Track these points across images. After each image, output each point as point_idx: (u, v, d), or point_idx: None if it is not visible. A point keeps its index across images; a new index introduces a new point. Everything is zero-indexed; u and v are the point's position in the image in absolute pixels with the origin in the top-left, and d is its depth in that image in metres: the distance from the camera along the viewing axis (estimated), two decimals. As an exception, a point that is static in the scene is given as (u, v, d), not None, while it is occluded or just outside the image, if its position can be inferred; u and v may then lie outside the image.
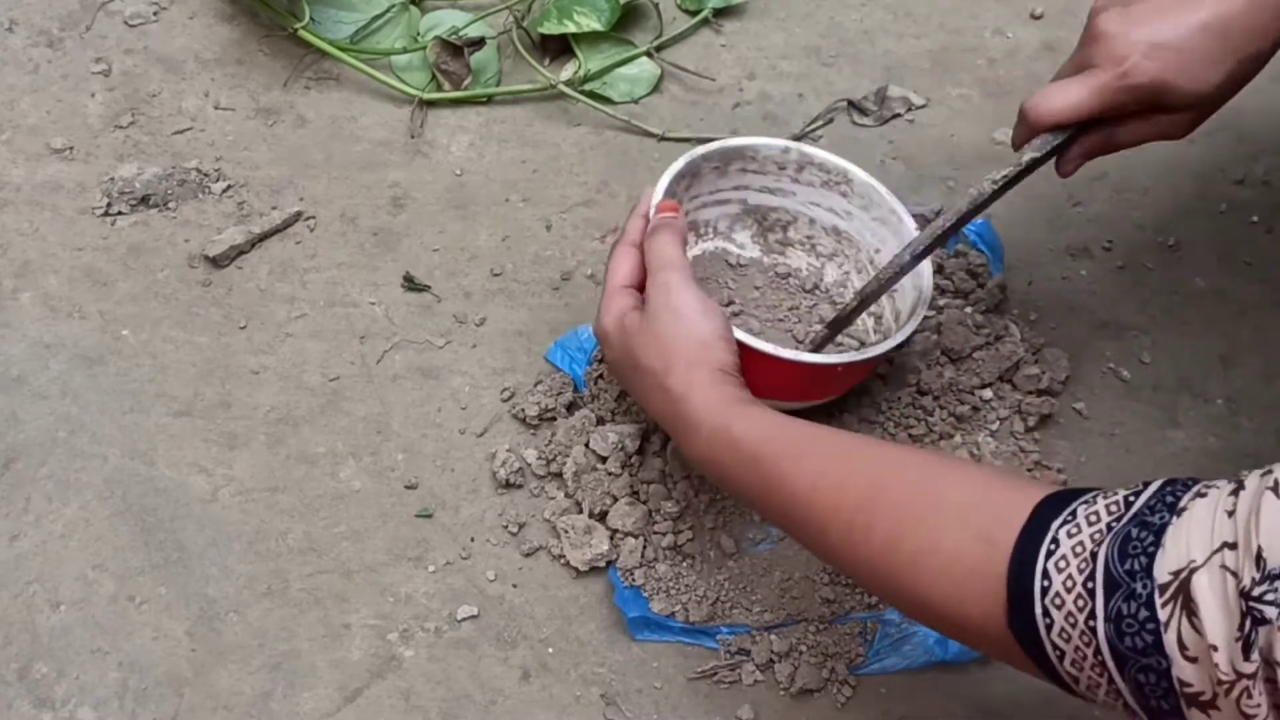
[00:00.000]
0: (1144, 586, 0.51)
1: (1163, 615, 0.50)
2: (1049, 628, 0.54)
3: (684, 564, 0.83)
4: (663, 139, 1.07)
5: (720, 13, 1.18)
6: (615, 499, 0.84)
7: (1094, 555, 0.53)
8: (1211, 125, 1.11)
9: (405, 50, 1.11)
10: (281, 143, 1.07)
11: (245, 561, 0.84)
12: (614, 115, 1.08)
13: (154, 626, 0.81)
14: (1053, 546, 0.55)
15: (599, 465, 0.86)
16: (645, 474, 0.85)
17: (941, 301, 0.95)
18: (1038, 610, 0.54)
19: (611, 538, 0.83)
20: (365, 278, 0.99)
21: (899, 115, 1.12)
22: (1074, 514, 0.55)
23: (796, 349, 0.85)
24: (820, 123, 1.10)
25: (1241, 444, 0.91)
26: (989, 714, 0.79)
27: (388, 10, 1.13)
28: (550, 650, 0.81)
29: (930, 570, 0.59)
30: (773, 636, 0.80)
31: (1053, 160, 0.78)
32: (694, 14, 1.18)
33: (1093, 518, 0.55)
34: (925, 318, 0.93)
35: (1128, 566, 0.52)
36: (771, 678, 0.80)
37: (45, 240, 1.00)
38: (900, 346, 0.82)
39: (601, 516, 0.84)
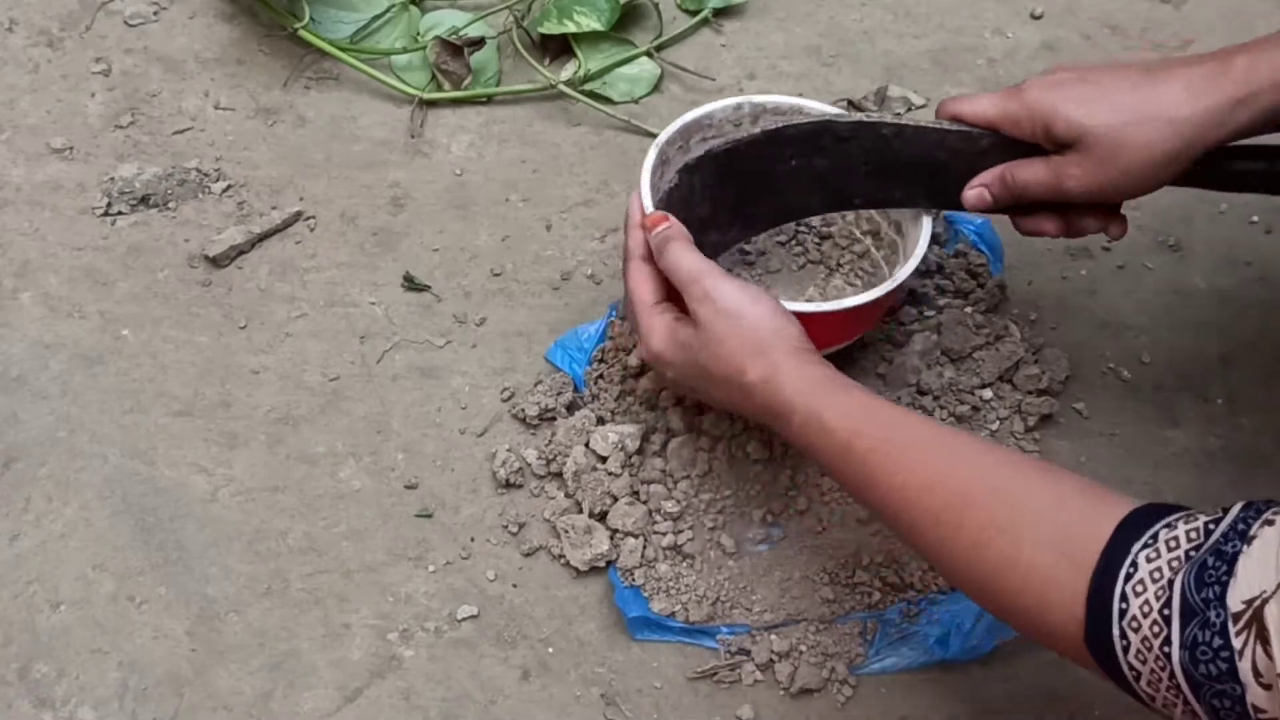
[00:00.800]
0: (1218, 615, 0.52)
1: (1236, 643, 0.51)
2: (1125, 649, 0.55)
3: (684, 564, 0.83)
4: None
5: (720, 13, 1.18)
6: (615, 499, 0.84)
7: (1171, 583, 0.54)
8: (1211, 125, 1.11)
9: (405, 50, 1.11)
10: (281, 143, 1.07)
11: (245, 561, 0.84)
12: (614, 115, 1.08)
13: (154, 626, 0.81)
14: (1131, 570, 0.56)
15: (599, 465, 0.86)
16: (645, 474, 0.85)
17: (941, 301, 0.95)
18: (1115, 632, 0.56)
19: (611, 538, 0.83)
20: (365, 278, 0.99)
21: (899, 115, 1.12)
22: (1155, 538, 0.56)
23: (823, 298, 0.87)
24: (820, 123, 1.10)
25: (1241, 444, 0.91)
26: (989, 714, 0.79)
27: (388, 10, 1.13)
28: (550, 650, 0.81)
29: (1012, 580, 0.61)
30: (773, 636, 0.80)
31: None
32: (694, 14, 1.18)
33: (1172, 543, 0.55)
34: (925, 317, 0.94)
35: (1203, 595, 0.53)
36: (771, 678, 0.80)
37: (45, 240, 1.00)
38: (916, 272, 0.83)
39: (601, 516, 0.84)
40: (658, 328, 0.76)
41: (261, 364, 0.94)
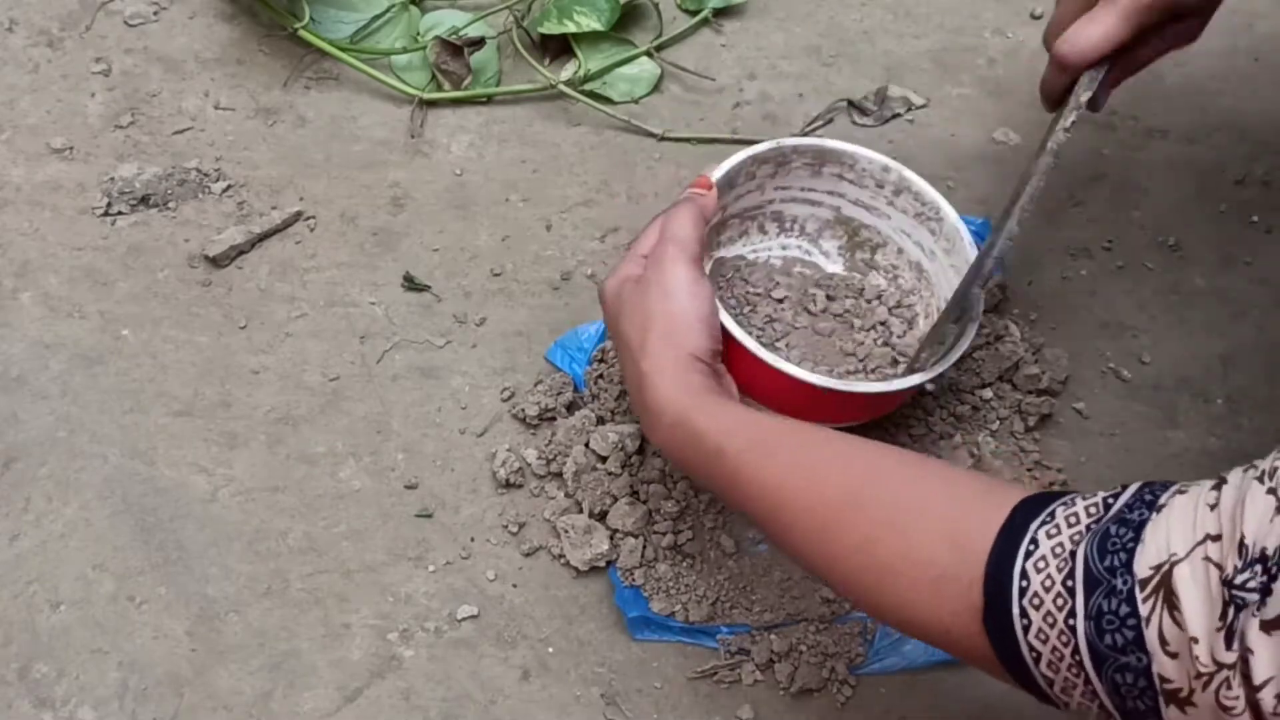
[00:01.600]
0: (1124, 582, 0.50)
1: (1144, 610, 0.50)
2: (1026, 629, 0.54)
3: (684, 564, 0.83)
4: (663, 139, 1.07)
5: (720, 12, 1.18)
6: (615, 499, 0.84)
7: (1073, 554, 0.53)
8: (1211, 125, 1.11)
9: (405, 50, 1.11)
10: (281, 143, 1.07)
11: (245, 561, 0.84)
12: (614, 115, 1.08)
13: (154, 626, 0.81)
14: (1031, 547, 0.54)
15: (599, 465, 0.86)
16: (645, 474, 0.85)
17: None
18: (1015, 611, 0.54)
19: (611, 538, 0.83)
20: (365, 277, 0.99)
21: (899, 115, 1.12)
22: (1052, 515, 0.55)
23: (848, 374, 0.84)
24: (820, 123, 1.10)
25: (1241, 444, 0.91)
26: (989, 714, 0.79)
27: (388, 10, 1.13)
28: (550, 650, 0.81)
29: (903, 576, 0.59)
30: (773, 636, 0.80)
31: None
32: (694, 14, 1.18)
33: (1072, 519, 0.54)
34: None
35: (1108, 563, 0.51)
36: (771, 678, 0.80)
37: (45, 240, 1.00)
38: (938, 378, 0.78)
39: (601, 516, 0.84)
40: (622, 270, 0.76)
41: (261, 364, 0.94)
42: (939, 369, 0.78)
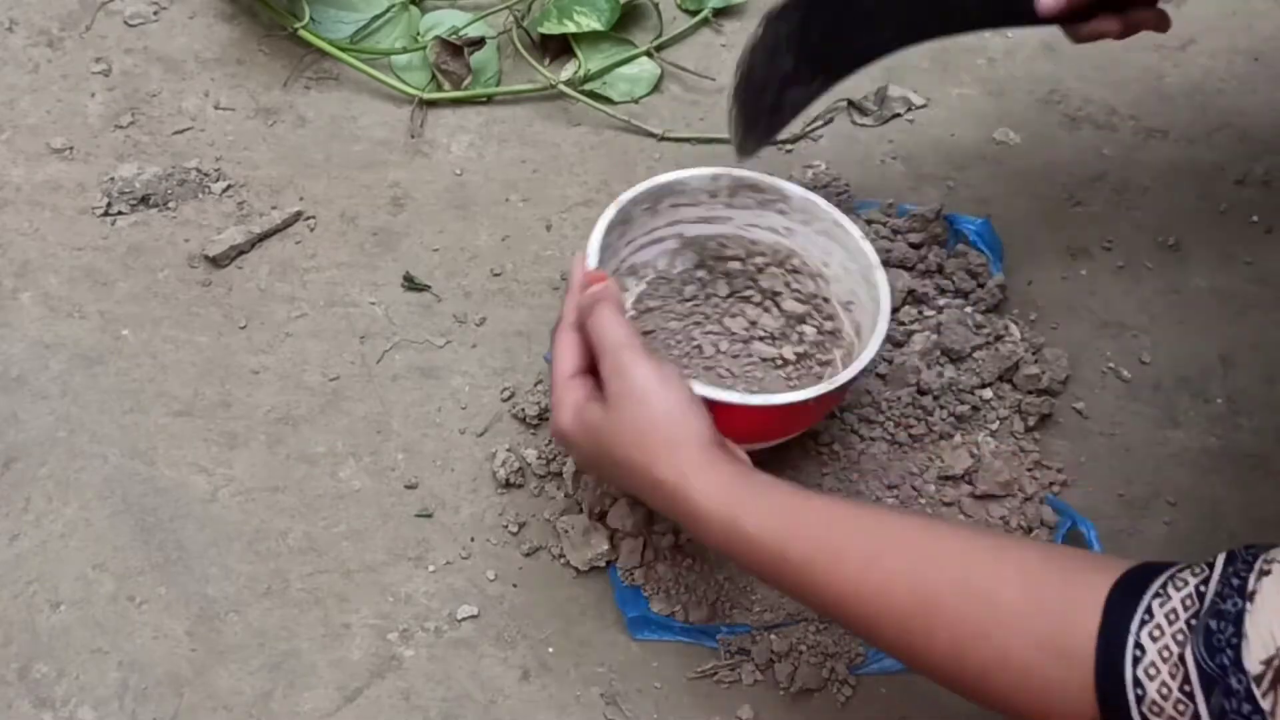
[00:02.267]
0: (1239, 681, 0.51)
1: (1265, 704, 0.50)
2: None
3: (684, 564, 0.83)
4: (663, 139, 1.07)
5: (720, 12, 1.18)
6: (615, 499, 0.84)
7: (1183, 659, 0.53)
8: (1211, 125, 1.11)
9: (405, 50, 1.11)
10: (281, 142, 1.07)
11: (245, 561, 0.84)
12: (614, 115, 1.08)
13: (154, 626, 0.81)
14: (1138, 653, 0.54)
15: (599, 465, 0.86)
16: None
17: (941, 301, 0.95)
18: (1136, 719, 0.54)
19: (611, 538, 0.83)
20: (365, 277, 0.99)
21: (899, 115, 1.12)
22: (1150, 613, 0.54)
23: (762, 382, 0.86)
24: (820, 123, 1.10)
25: (1241, 444, 0.91)
26: (989, 714, 0.79)
27: (388, 10, 1.13)
28: (550, 650, 0.81)
29: (1003, 685, 0.58)
30: (773, 636, 0.80)
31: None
32: (694, 14, 1.18)
33: (1171, 616, 0.54)
34: (925, 317, 0.94)
35: (1218, 661, 0.51)
36: (771, 678, 0.80)
37: (45, 240, 1.00)
38: (866, 371, 0.79)
39: (601, 516, 0.84)
40: (567, 402, 0.71)
41: (261, 364, 0.94)
42: (844, 377, 0.77)
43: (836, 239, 0.85)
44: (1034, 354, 0.93)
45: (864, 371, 0.78)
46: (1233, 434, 0.92)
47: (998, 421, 0.91)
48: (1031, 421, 0.91)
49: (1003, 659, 0.58)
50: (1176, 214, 1.04)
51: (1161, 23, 0.85)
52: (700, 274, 0.91)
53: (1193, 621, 0.53)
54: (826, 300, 0.88)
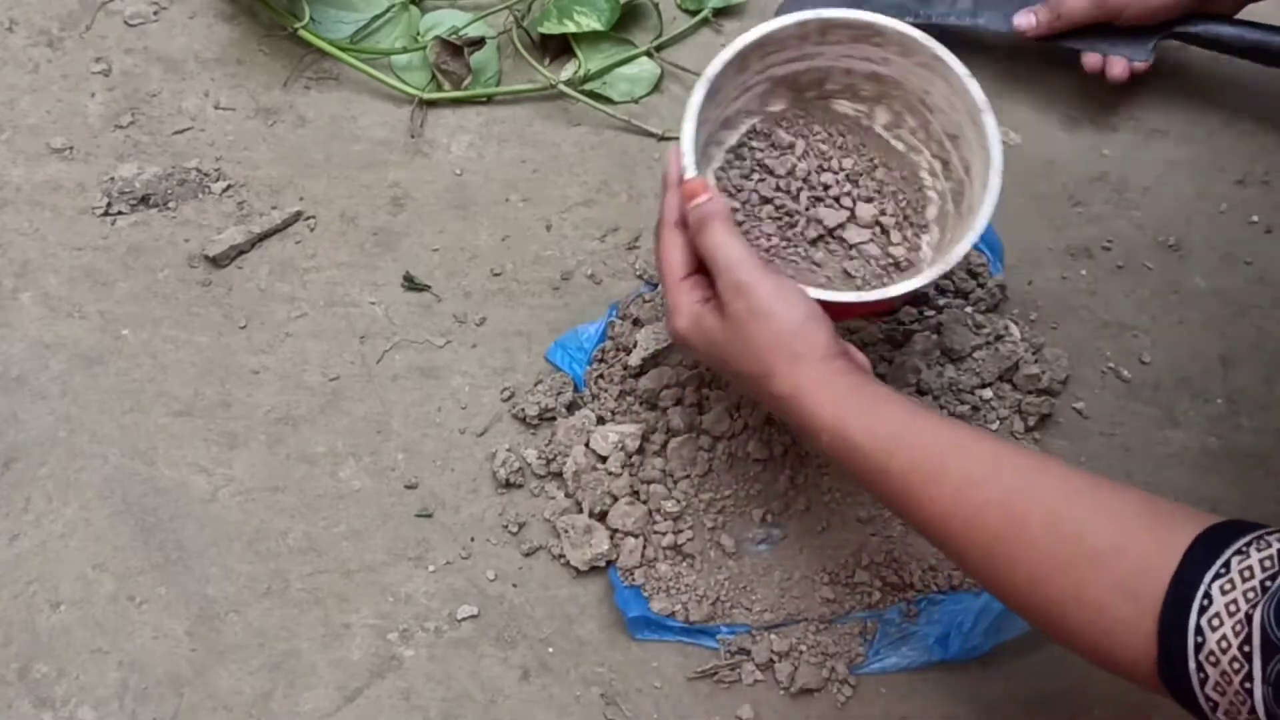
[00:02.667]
0: None
1: None
2: (1203, 682, 0.54)
3: (684, 564, 0.83)
4: (663, 139, 1.07)
5: (720, 12, 1.18)
6: (615, 499, 0.84)
7: (1249, 618, 0.53)
8: (1211, 125, 1.11)
9: (405, 50, 1.11)
10: (281, 142, 1.07)
11: (245, 561, 0.84)
12: (614, 115, 1.08)
13: (154, 626, 0.81)
14: (1205, 602, 0.54)
15: (599, 465, 0.86)
16: (645, 474, 0.85)
17: (941, 301, 0.95)
18: (1191, 665, 0.55)
19: (611, 537, 0.83)
20: (365, 277, 0.99)
21: (899, 115, 1.11)
22: (1227, 566, 0.55)
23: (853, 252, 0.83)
24: (820, 122, 1.10)
25: (1241, 444, 0.91)
26: (989, 714, 0.79)
27: (388, 10, 1.13)
28: (550, 650, 0.81)
29: (1075, 621, 0.59)
30: (773, 636, 0.80)
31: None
32: (694, 14, 1.18)
33: (1246, 573, 0.54)
34: (925, 317, 0.93)
35: None
36: (771, 677, 0.80)
37: (45, 240, 1.00)
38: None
39: (601, 516, 0.84)
40: (684, 307, 0.73)
41: (261, 364, 0.94)
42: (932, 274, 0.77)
43: (937, 72, 0.82)
44: (1034, 354, 0.93)
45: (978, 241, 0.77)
46: (1233, 434, 0.92)
47: (998, 421, 0.91)
48: (1031, 421, 0.91)
49: (1078, 596, 0.59)
50: (1176, 214, 1.04)
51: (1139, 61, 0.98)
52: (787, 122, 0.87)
53: (1268, 583, 0.53)
54: (929, 128, 0.86)
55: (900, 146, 0.87)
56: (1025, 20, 1.01)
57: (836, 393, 0.69)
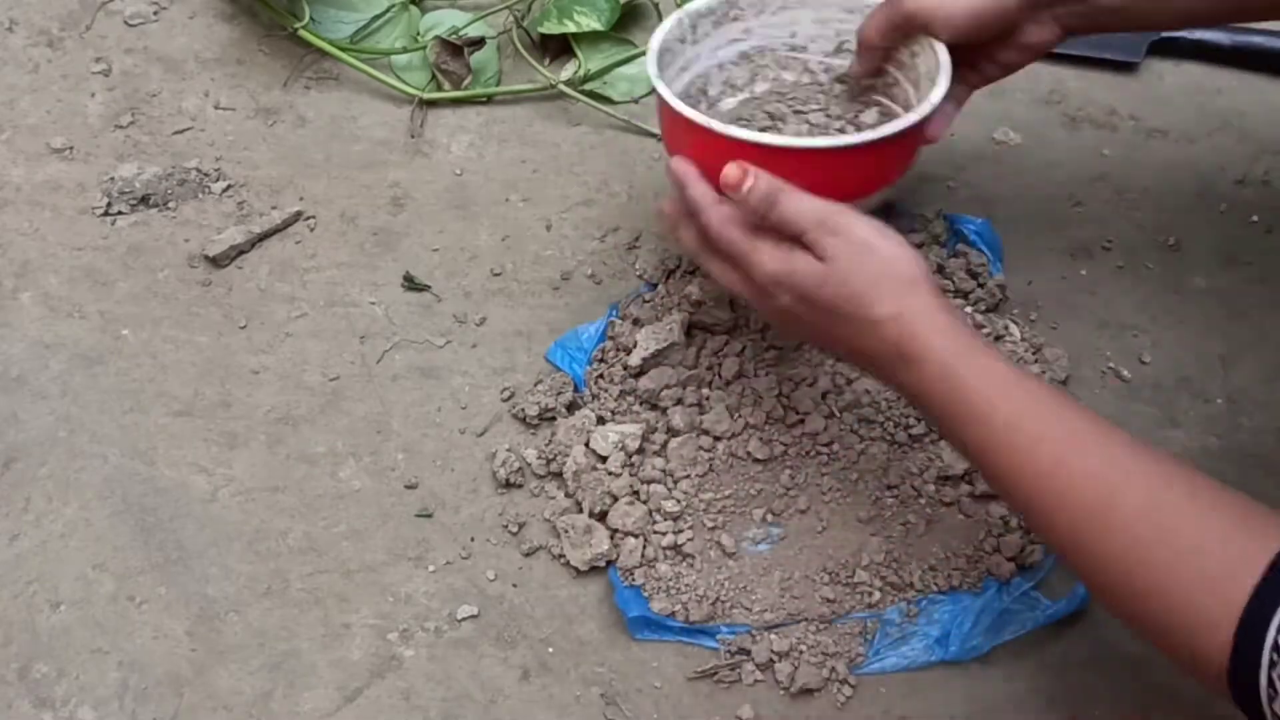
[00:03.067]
0: None
1: None
2: (1271, 698, 0.54)
3: (684, 564, 0.83)
4: (662, 139, 1.07)
5: (720, 12, 1.18)
6: (615, 499, 0.84)
7: None
8: (1211, 125, 1.11)
9: (405, 50, 1.11)
10: (281, 142, 1.07)
11: (245, 561, 0.84)
12: (614, 115, 1.08)
13: (154, 626, 0.81)
14: None
15: (599, 465, 0.86)
16: (645, 474, 0.85)
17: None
18: (1262, 680, 0.54)
19: (611, 537, 0.83)
20: (365, 277, 0.99)
21: (899, 115, 1.11)
22: None
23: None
24: (820, 122, 1.10)
25: (1241, 444, 0.91)
26: (989, 714, 0.79)
27: (388, 10, 1.13)
28: (550, 650, 0.81)
29: (1156, 610, 0.59)
30: (773, 636, 0.80)
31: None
32: (694, 14, 1.17)
33: None
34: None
35: None
36: (771, 677, 0.80)
37: (45, 240, 1.00)
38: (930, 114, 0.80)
39: (601, 516, 0.84)
40: (767, 252, 0.72)
41: (261, 364, 0.94)
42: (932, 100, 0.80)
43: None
44: (1034, 354, 0.93)
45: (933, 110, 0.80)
46: (1233, 434, 0.92)
47: (998, 421, 0.91)
48: (1031, 421, 0.91)
49: (1164, 587, 0.58)
50: (1176, 214, 1.04)
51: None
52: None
53: None
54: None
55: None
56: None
57: (948, 324, 0.67)
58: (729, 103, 0.93)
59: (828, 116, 0.89)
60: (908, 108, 0.85)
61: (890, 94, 0.89)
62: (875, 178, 0.81)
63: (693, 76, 0.91)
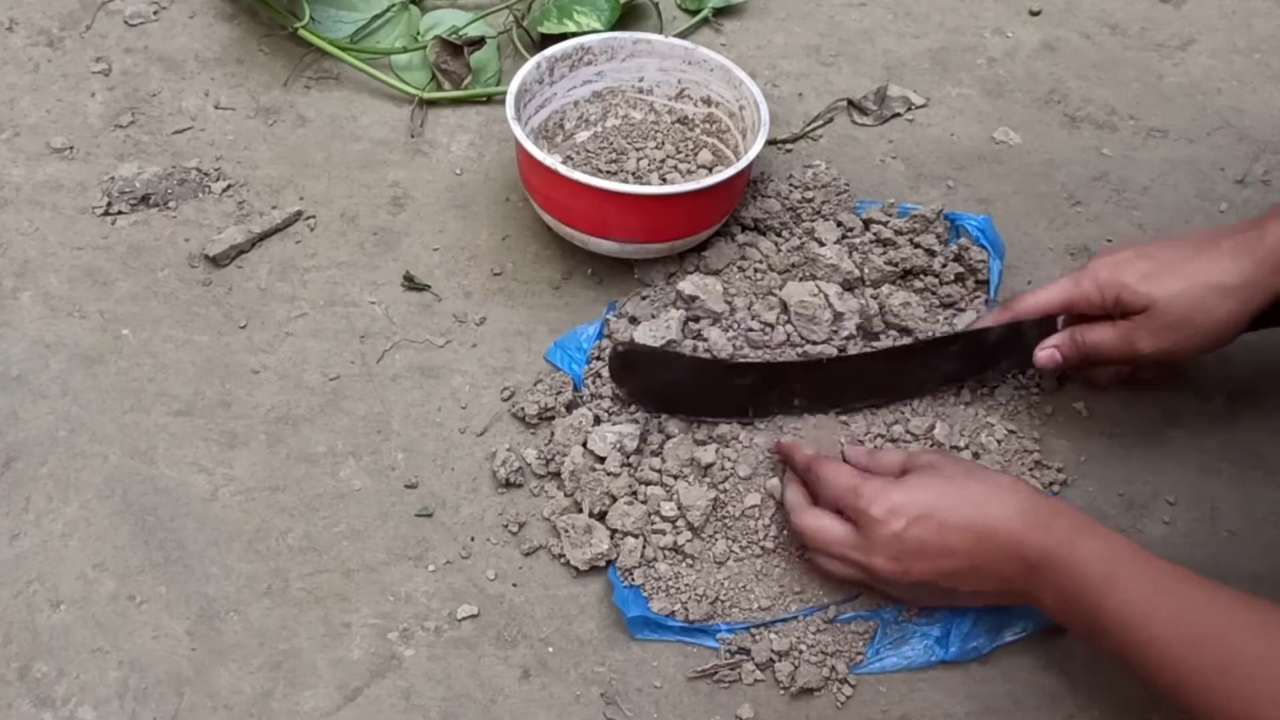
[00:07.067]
0: None
1: None
2: None
3: (683, 563, 0.83)
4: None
5: (720, 12, 1.18)
6: (614, 499, 0.84)
7: None
8: (1211, 125, 1.11)
9: (405, 50, 1.11)
10: (281, 142, 1.07)
11: (245, 561, 0.84)
12: (614, 115, 1.08)
13: (154, 626, 0.81)
14: None
15: (597, 465, 0.86)
16: (644, 473, 0.85)
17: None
18: None
19: (611, 537, 0.83)
20: (365, 277, 0.99)
21: (899, 115, 1.12)
22: None
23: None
24: (820, 122, 1.10)
25: (1241, 444, 0.91)
26: (989, 713, 0.79)
27: (388, 10, 1.13)
28: (550, 649, 0.81)
29: None
30: (772, 635, 0.80)
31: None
32: (694, 14, 1.18)
33: None
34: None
35: None
36: (771, 677, 0.80)
37: (45, 240, 1.00)
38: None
39: (601, 516, 0.84)
40: (884, 492, 0.76)
41: (261, 363, 0.94)
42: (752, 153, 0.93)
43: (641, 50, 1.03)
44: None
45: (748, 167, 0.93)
46: (1233, 434, 0.92)
47: (999, 421, 0.91)
48: (1032, 421, 0.91)
49: None
50: (1176, 214, 1.04)
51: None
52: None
53: None
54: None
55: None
56: (1048, 356, 0.87)
57: (1052, 512, 0.73)
58: (582, 135, 1.04)
59: (666, 154, 1.02)
60: (737, 152, 1.00)
61: (722, 139, 1.02)
62: (704, 218, 0.94)
63: (550, 112, 1.02)
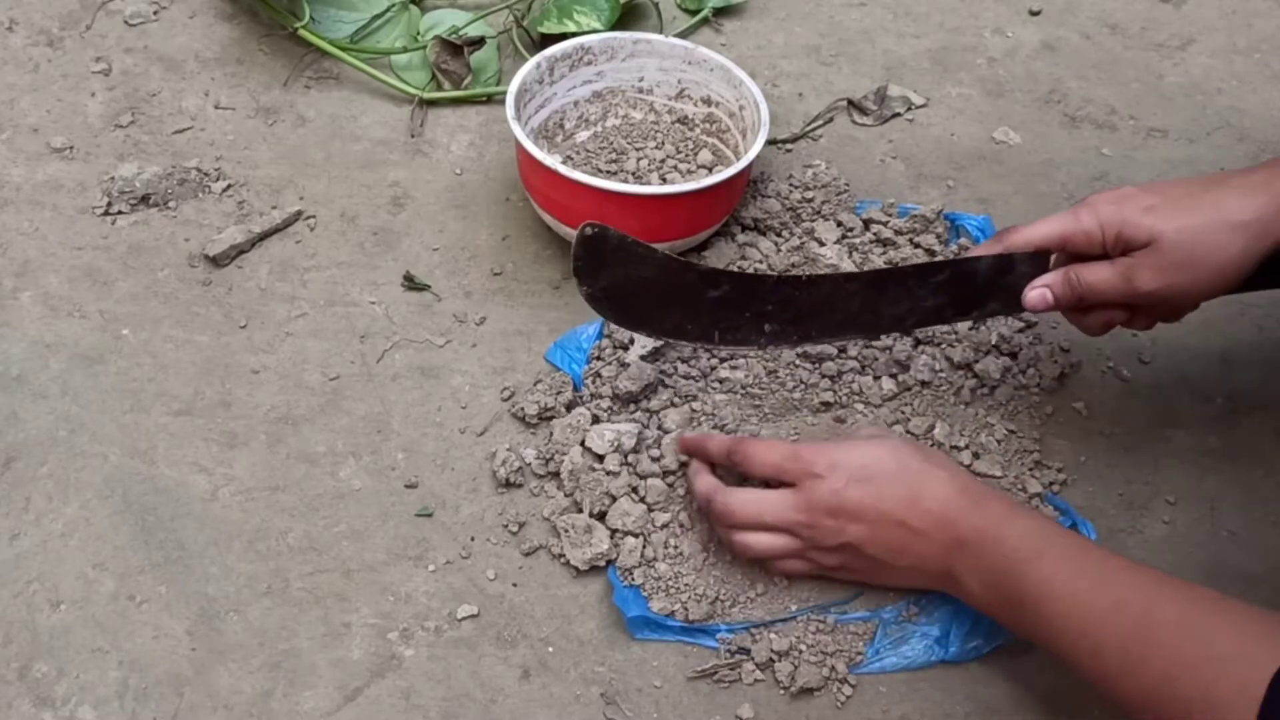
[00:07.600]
0: None
1: None
2: None
3: (684, 563, 0.83)
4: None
5: (720, 12, 1.18)
6: (614, 498, 0.84)
7: None
8: (1211, 125, 1.11)
9: (405, 50, 1.11)
10: (281, 142, 1.07)
11: (245, 561, 0.84)
12: (614, 115, 1.08)
13: (154, 626, 0.81)
14: None
15: (597, 465, 0.86)
16: (643, 473, 0.85)
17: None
18: None
19: (611, 537, 0.83)
20: (365, 277, 0.99)
21: (899, 114, 1.12)
22: None
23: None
24: (820, 122, 1.10)
25: (1241, 444, 0.91)
26: (989, 713, 0.79)
27: (388, 10, 1.13)
28: (550, 649, 0.81)
29: (1201, 717, 0.61)
30: (772, 635, 0.80)
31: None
32: (694, 13, 1.18)
33: None
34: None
35: None
36: (771, 677, 0.80)
37: (45, 240, 1.00)
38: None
39: (601, 516, 0.84)
40: (824, 451, 0.78)
41: (261, 363, 0.94)
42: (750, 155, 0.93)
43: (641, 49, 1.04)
44: (1034, 353, 0.93)
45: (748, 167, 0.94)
46: (1233, 434, 0.92)
47: (999, 421, 0.91)
48: (1032, 421, 0.91)
49: (1205, 696, 0.61)
50: (1176, 214, 1.03)
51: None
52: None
53: None
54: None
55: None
56: (1039, 296, 0.82)
57: (978, 493, 0.75)
58: (582, 135, 1.05)
59: (666, 154, 1.02)
60: (737, 152, 1.00)
61: (722, 139, 1.03)
62: (704, 218, 0.95)
63: (550, 112, 1.03)
